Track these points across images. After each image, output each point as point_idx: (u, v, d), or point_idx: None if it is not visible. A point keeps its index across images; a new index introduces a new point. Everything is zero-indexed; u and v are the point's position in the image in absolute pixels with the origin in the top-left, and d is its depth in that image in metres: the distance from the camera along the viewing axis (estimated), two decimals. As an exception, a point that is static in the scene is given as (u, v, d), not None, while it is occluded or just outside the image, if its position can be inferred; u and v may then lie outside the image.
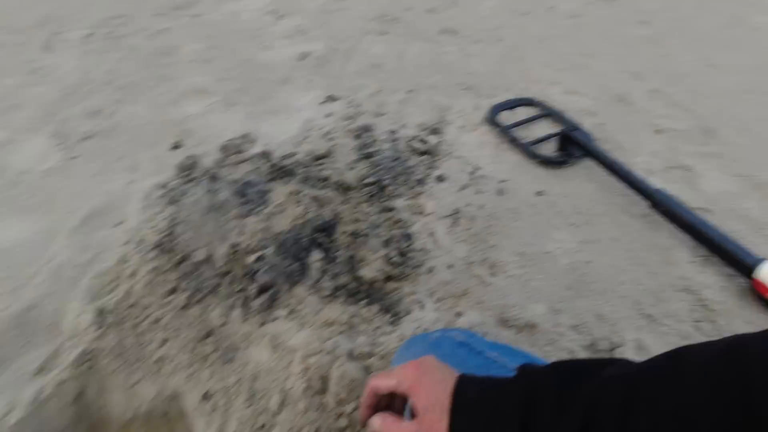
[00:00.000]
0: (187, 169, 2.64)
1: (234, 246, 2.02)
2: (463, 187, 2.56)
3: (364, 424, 0.78)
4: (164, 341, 1.92)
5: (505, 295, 2.05)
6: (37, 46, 3.89)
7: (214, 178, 2.21)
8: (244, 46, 3.92)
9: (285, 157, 2.67)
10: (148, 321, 1.95)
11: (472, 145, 2.86)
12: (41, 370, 1.83)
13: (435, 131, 2.98)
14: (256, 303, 1.95)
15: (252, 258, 1.98)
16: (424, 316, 1.96)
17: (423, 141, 2.87)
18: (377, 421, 0.72)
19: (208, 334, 1.95)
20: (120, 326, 1.92)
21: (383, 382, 0.75)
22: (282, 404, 1.70)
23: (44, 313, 2.01)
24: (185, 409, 1.86)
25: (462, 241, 2.27)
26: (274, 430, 1.64)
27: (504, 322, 1.93)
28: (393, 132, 2.99)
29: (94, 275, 2.13)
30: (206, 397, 1.80)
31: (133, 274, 2.09)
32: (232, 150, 2.78)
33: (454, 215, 2.41)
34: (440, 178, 2.63)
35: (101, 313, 1.93)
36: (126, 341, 1.89)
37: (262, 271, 1.94)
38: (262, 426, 1.67)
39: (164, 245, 2.16)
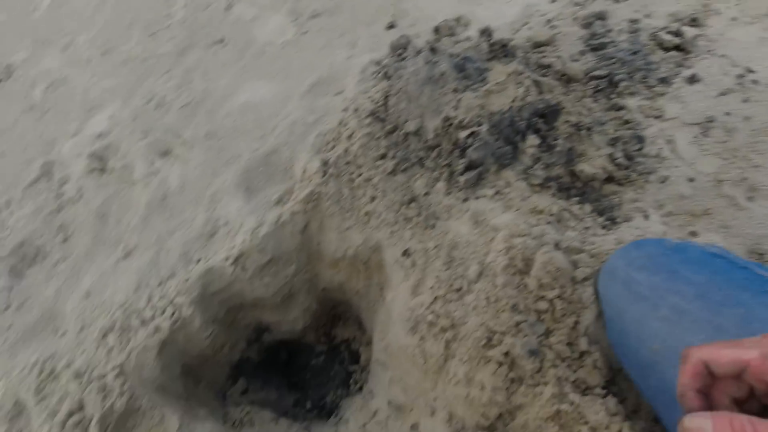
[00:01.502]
0: (400, 48, 2.66)
1: (447, 120, 2.01)
2: (724, 93, 2.05)
3: (688, 408, 0.49)
4: (373, 198, 2.08)
5: (764, 224, 1.66)
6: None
7: (433, 50, 2.18)
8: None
9: (502, 40, 2.48)
10: (361, 178, 2.13)
11: (746, 42, 2.23)
12: (279, 202, 2.18)
13: (693, 22, 2.39)
14: (462, 179, 1.95)
15: (464, 134, 1.95)
16: (648, 227, 1.72)
17: (675, 33, 2.34)
18: (712, 424, 0.42)
19: (411, 200, 2.05)
20: (339, 178, 2.14)
21: (728, 354, 0.46)
22: (480, 275, 1.73)
23: (282, 158, 2.36)
24: (385, 260, 2.05)
25: (713, 155, 1.87)
26: (470, 295, 1.69)
27: (759, 256, 1.57)
28: (634, 22, 2.50)
29: (318, 133, 2.38)
30: (406, 253, 1.93)
31: (350, 137, 2.27)
32: (445, 31, 2.69)
33: (706, 124, 1.97)
34: (692, 79, 2.14)
35: (325, 164, 2.16)
36: (343, 191, 2.11)
37: (473, 149, 1.90)
38: (459, 289, 1.74)
39: (378, 114, 2.27)
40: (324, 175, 2.13)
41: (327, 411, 2.36)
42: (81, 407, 1.71)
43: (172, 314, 1.91)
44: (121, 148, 2.67)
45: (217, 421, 1.92)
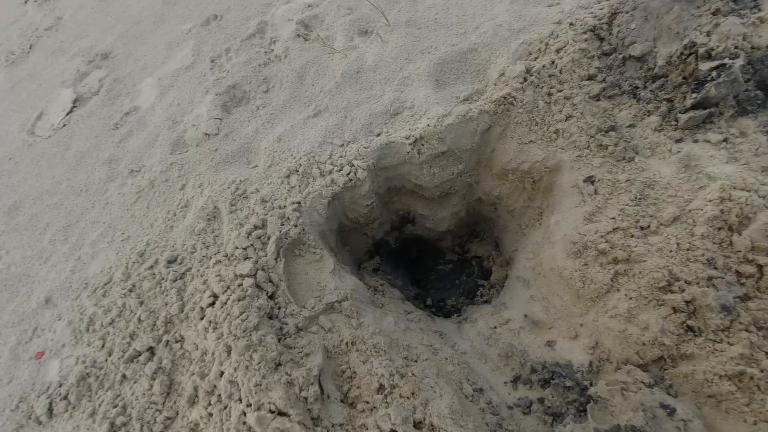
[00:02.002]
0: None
1: (690, 47, 1.75)
2: None
3: None
4: (568, 117, 1.95)
5: None
6: None
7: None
8: None
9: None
10: (561, 94, 2.00)
11: None
12: (467, 99, 2.16)
13: None
14: (684, 117, 1.72)
15: (708, 66, 1.69)
16: None
17: None
18: None
19: (611, 128, 1.88)
20: (538, 88, 2.03)
21: None
22: (675, 219, 1.56)
23: (479, 58, 2.29)
24: (560, 183, 1.95)
25: None
26: (657, 237, 1.55)
27: None
28: None
29: (523, 41, 2.25)
30: (590, 180, 1.81)
31: (559, 50, 2.11)
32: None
33: None
34: None
35: (528, 71, 2.06)
36: (538, 102, 2.01)
37: (714, 84, 1.64)
38: (646, 227, 1.60)
39: (598, 32, 2.06)
40: (524, 82, 2.04)
41: (445, 312, 2.46)
42: (263, 225, 1.99)
43: (348, 173, 2.07)
44: (326, 20, 2.84)
45: (359, 280, 2.10)
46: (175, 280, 1.97)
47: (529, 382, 1.58)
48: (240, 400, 1.46)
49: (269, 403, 1.40)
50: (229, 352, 1.57)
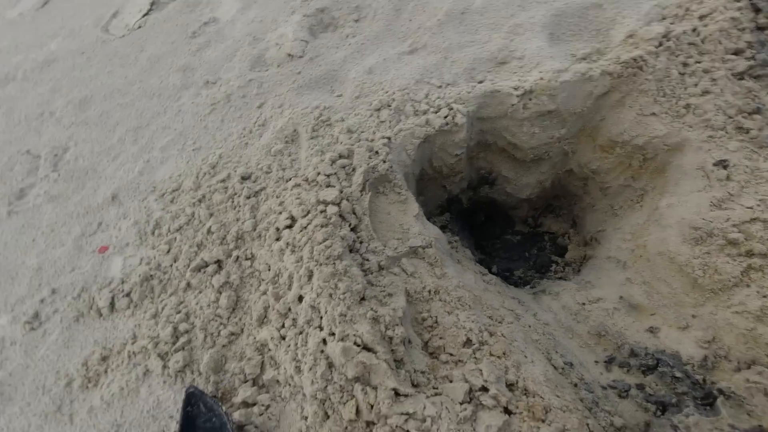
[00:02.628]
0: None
1: None
2: None
3: None
4: (705, 92, 1.75)
5: None
6: None
7: None
8: None
9: None
10: (699, 66, 1.79)
11: None
12: (585, 58, 1.95)
13: None
14: None
15: None
16: None
17: None
18: None
19: (755, 111, 1.67)
20: (673, 56, 1.82)
21: None
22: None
23: (603, 16, 2.08)
24: (679, 163, 1.77)
25: None
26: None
27: None
28: None
29: (657, 3, 2.02)
30: (722, 164, 1.63)
31: (704, 17, 1.88)
32: None
33: None
34: None
35: (665, 35, 1.84)
36: (671, 72, 1.80)
37: None
38: (789, 222, 1.42)
39: (757, 2, 1.82)
40: (659, 46, 1.83)
41: (512, 282, 2.33)
42: (349, 155, 1.86)
43: (445, 116, 1.91)
44: (432, -47, 2.62)
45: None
46: (249, 197, 1.88)
47: (626, 366, 1.45)
48: (320, 327, 1.38)
49: (354, 335, 1.31)
50: (310, 277, 1.48)
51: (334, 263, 1.48)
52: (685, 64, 1.81)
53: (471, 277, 1.77)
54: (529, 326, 1.65)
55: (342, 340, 1.31)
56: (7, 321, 1.83)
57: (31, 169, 2.34)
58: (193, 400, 1.43)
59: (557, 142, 2.08)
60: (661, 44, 1.83)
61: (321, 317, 1.39)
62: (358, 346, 1.30)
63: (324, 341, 1.35)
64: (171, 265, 1.81)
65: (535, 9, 2.17)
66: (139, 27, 2.89)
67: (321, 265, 1.48)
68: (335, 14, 2.54)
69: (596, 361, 1.53)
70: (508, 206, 2.50)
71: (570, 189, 2.35)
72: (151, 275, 1.80)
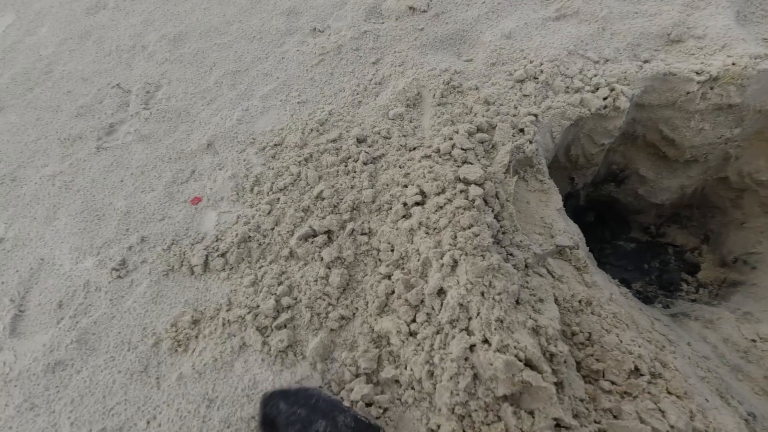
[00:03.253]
0: None
1: None
2: None
3: None
4: None
5: None
6: None
7: None
8: None
9: None
10: None
11: None
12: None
13: None
14: None
15: None
16: None
17: None
18: None
19: None
20: None
21: None
22: None
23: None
24: None
25: None
26: None
27: None
28: None
29: None
30: None
31: None
32: None
33: None
34: None
35: None
36: None
37: None
38: None
39: None
40: None
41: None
42: (488, 129, 1.60)
43: (605, 97, 1.62)
44: None
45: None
46: (366, 163, 1.65)
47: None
48: (468, 330, 1.15)
49: (516, 347, 1.08)
50: (453, 268, 1.25)
51: (483, 255, 1.25)
52: None
53: (615, 288, 1.51)
54: (689, 358, 1.38)
55: (501, 350, 1.08)
56: (92, 264, 1.69)
57: (122, 104, 2.17)
58: (270, 402, 1.23)
59: (724, 143, 1.76)
60: None
61: (470, 319, 1.16)
62: (521, 361, 1.07)
63: (472, 348, 1.13)
64: (272, 229, 1.62)
65: (718, -19, 1.82)
66: (239, -37, 2.66)
67: (469, 255, 1.25)
68: (464, -33, 2.23)
69: (782, 416, 1.26)
70: (632, 210, 2.20)
71: (712, 199, 2.03)
72: (249, 236, 1.61)
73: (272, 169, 1.76)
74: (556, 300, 1.32)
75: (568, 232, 1.48)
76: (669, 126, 1.74)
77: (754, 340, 1.44)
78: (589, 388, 1.18)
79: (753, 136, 1.74)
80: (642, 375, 1.17)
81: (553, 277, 1.38)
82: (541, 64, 1.73)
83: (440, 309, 1.21)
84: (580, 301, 1.33)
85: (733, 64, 1.56)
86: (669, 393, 1.13)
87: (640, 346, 1.22)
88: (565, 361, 1.16)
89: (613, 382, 1.18)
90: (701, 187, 2.00)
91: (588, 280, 1.40)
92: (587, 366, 1.22)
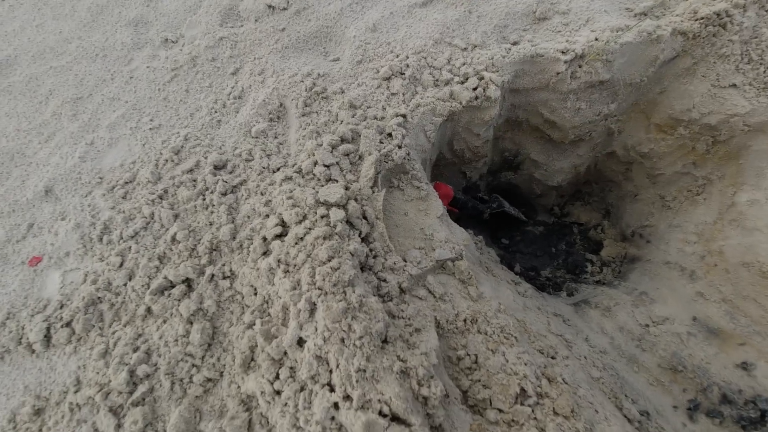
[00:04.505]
0: None
1: None
2: None
3: None
4: (802, 60, 1.38)
5: None
6: None
7: None
8: None
9: None
10: (795, 25, 1.41)
11: None
12: (650, 12, 1.56)
13: None
14: None
15: None
16: None
17: None
18: None
19: None
20: (763, 10, 1.43)
21: None
22: None
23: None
24: (763, 151, 1.43)
25: None
26: None
27: None
28: None
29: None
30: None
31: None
32: None
33: None
34: None
35: (756, -19, 1.45)
36: (761, 31, 1.42)
37: None
38: None
39: None
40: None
41: (538, 284, 2.00)
42: (354, 139, 1.45)
43: (475, 87, 1.50)
44: None
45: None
46: (225, 194, 1.46)
47: (719, 416, 1.15)
48: (330, 386, 1.01)
49: (380, 401, 0.95)
50: (312, 313, 1.09)
51: (344, 292, 1.10)
52: None
53: (508, 293, 1.42)
54: (585, 358, 1.32)
55: (363, 408, 0.94)
56: None
57: (-59, 153, 1.83)
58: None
59: (603, 120, 1.71)
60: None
61: (331, 371, 1.02)
62: (386, 416, 0.94)
63: (336, 406, 0.98)
64: (125, 285, 1.40)
65: (579, -50, 1.73)
66: (77, -31, 2.31)
67: (327, 294, 1.10)
68: (325, -45, 2.04)
69: (675, 407, 1.22)
70: (533, 194, 2.14)
71: (606, 174, 2.00)
72: (98, 298, 1.38)
73: (122, 212, 1.52)
74: (438, 324, 1.20)
75: (451, 242, 1.36)
76: (548, 108, 1.66)
77: (647, 325, 1.41)
78: (476, 421, 1.07)
79: (630, 109, 1.70)
80: (528, 397, 1.07)
81: (434, 297, 1.26)
82: (407, 58, 1.59)
83: (300, 362, 1.06)
84: (465, 320, 1.22)
85: (596, 39, 1.48)
86: (555, 414, 1.05)
87: (526, 364, 1.12)
88: (446, 397, 1.04)
89: (500, 410, 1.08)
90: (594, 164, 1.96)
91: (473, 294, 1.29)
92: (474, 395, 1.12)
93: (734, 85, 1.46)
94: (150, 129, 1.70)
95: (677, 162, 1.69)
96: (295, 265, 1.19)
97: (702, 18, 1.44)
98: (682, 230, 1.60)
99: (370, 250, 1.27)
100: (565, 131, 1.70)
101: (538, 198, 2.15)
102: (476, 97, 1.50)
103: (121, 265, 1.43)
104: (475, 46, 1.60)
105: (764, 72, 1.43)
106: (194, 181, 1.51)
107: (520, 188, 2.11)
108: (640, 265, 1.73)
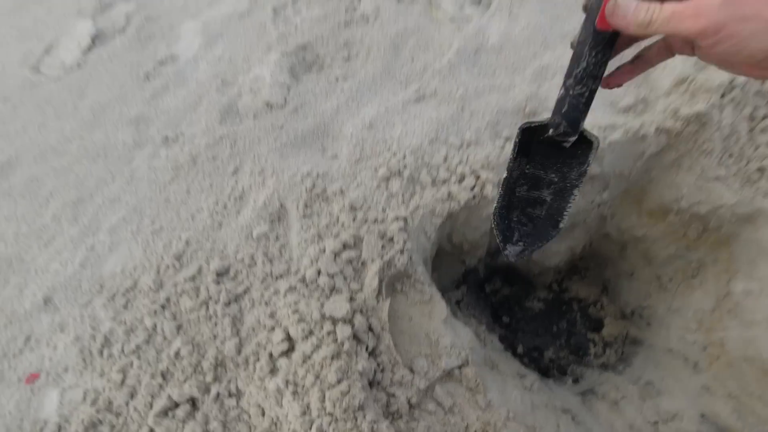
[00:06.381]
0: None
1: None
2: None
3: None
4: (780, 154, 1.46)
5: None
6: None
7: None
8: None
9: None
10: (769, 122, 1.50)
11: None
12: (631, 109, 1.65)
13: None
14: None
15: None
16: None
17: None
18: None
19: None
20: (739, 108, 1.53)
21: None
22: None
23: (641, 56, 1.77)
24: (754, 238, 1.47)
25: None
26: None
27: None
28: None
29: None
30: (817, 247, 1.34)
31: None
32: None
33: None
34: None
35: (731, 84, 1.54)
36: (739, 129, 1.51)
37: None
38: None
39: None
40: (722, 97, 1.53)
41: (542, 368, 1.99)
42: (356, 244, 1.47)
43: (472, 187, 1.55)
44: (430, -22, 2.26)
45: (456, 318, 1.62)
46: (228, 304, 1.45)
47: None
48: None
49: None
50: (324, 444, 1.07)
51: (355, 418, 1.09)
52: (752, 119, 1.52)
53: (515, 394, 1.41)
54: (599, 463, 1.30)
55: None
56: None
57: (-64, 262, 1.82)
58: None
59: (597, 207, 1.76)
60: (725, 94, 1.53)
61: None
62: None
63: None
64: (126, 404, 1.36)
65: (562, 47, 1.85)
66: (79, 66, 2.40)
67: (338, 421, 1.08)
68: (320, 51, 2.14)
69: None
70: (531, 273, 2.17)
71: (602, 252, 2.04)
72: (99, 420, 1.34)
73: (124, 323, 1.51)
74: (449, 441, 1.18)
75: (456, 347, 1.36)
76: (542, 199, 1.70)
77: (656, 422, 1.39)
78: None
79: (621, 196, 1.76)
80: None
81: (443, 410, 1.24)
82: (405, 157, 1.64)
83: (314, 503, 1.03)
84: (476, 433, 1.21)
85: (585, 138, 1.55)
86: None
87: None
88: None
89: None
90: (589, 243, 2.00)
91: (482, 402, 1.28)
92: None
93: (719, 178, 1.53)
94: (151, 232, 1.71)
95: (671, 245, 1.74)
96: (303, 387, 1.18)
97: (684, 117, 1.52)
98: (682, 316, 1.62)
99: (378, 365, 1.26)
100: (560, 219, 1.75)
101: (537, 276, 2.17)
102: (474, 197, 1.54)
103: (123, 382, 1.40)
104: (470, 144, 1.66)
105: (746, 165, 1.50)
106: (197, 289, 1.51)
107: (518, 269, 2.14)
108: (642, 349, 1.73)
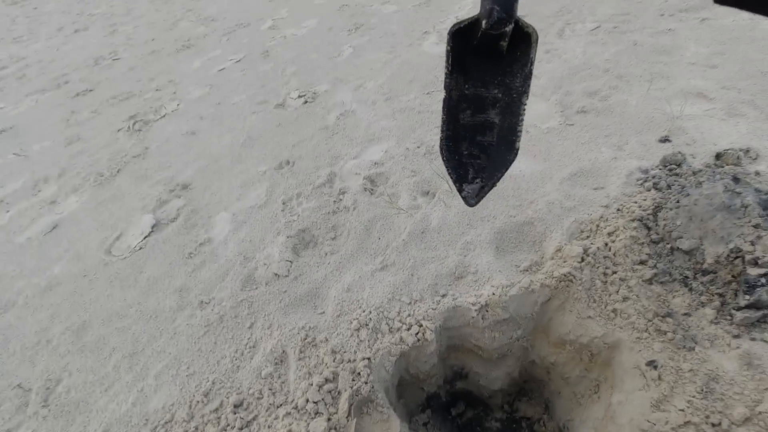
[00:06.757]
0: (673, 164, 2.70)
1: (736, 252, 1.98)
2: None
3: None
4: (625, 299, 2.12)
5: None
6: (553, 33, 4.70)
7: (736, 180, 2.18)
8: (760, 57, 3.54)
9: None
10: (616, 276, 2.20)
11: None
12: (527, 270, 2.37)
13: None
14: (739, 315, 1.88)
15: (756, 272, 1.89)
16: None
17: None
18: None
19: (667, 315, 2.03)
20: (594, 268, 2.24)
21: None
22: (746, 420, 1.63)
23: (535, 231, 2.56)
24: (620, 360, 2.05)
25: None
26: (734, 437, 1.60)
27: None
28: None
29: (575, 220, 2.53)
30: (653, 365, 1.91)
31: (611, 234, 2.37)
32: (729, 160, 2.65)
33: None
34: None
35: (585, 251, 2.29)
36: (596, 282, 2.20)
37: (764, 290, 1.83)
38: (717, 424, 1.66)
39: (645, 222, 2.33)
40: (581, 261, 2.26)
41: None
42: (334, 379, 2.07)
43: (417, 333, 2.20)
44: (391, 178, 3.22)
45: (419, 441, 2.11)
46: (242, 429, 2.00)
47: None
48: None
49: None
50: None
51: (326, 507, 1.57)
52: (605, 274, 2.22)
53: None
54: None
55: None
56: None
57: (20, 406, 2.40)
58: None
59: (516, 341, 2.37)
60: (583, 259, 2.26)
61: None
62: None
63: None
64: None
65: (482, 227, 2.66)
66: (140, 248, 3.26)
67: None
68: (315, 233, 2.99)
69: None
70: (485, 396, 2.67)
71: (536, 375, 2.57)
72: None
73: (163, 448, 2.04)
74: None
75: (407, 455, 1.86)
76: (473, 338, 2.33)
77: None
78: None
79: (533, 331, 2.38)
80: None
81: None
82: (370, 313, 2.32)
83: None
84: None
85: (493, 294, 2.25)
86: None
87: None
88: None
89: None
90: (523, 369, 2.55)
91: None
92: None
93: (590, 317, 2.17)
94: (186, 375, 2.32)
95: (576, 368, 2.30)
96: (292, 487, 1.68)
97: (557, 277, 2.23)
98: (586, 426, 2.11)
99: (347, 469, 1.76)
100: (489, 352, 2.35)
101: (489, 398, 2.67)
102: (418, 340, 2.18)
103: (160, 495, 1.88)
104: (416, 301, 2.36)
105: (605, 308, 2.15)
106: (218, 418, 2.07)
107: (473, 392, 2.65)
108: (567, 458, 2.17)
